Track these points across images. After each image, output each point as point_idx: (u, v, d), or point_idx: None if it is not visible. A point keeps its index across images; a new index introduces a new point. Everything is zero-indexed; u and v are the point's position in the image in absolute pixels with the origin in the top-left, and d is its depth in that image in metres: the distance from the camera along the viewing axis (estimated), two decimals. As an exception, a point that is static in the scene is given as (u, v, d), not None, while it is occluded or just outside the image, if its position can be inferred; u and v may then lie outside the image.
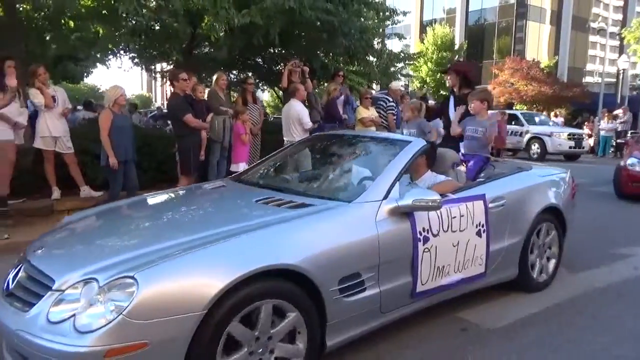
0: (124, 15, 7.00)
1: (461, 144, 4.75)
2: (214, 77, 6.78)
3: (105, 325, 1.92)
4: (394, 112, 8.19)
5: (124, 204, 3.40)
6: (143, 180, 6.13)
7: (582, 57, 34.69)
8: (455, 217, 3.04)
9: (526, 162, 5.04)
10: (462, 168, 4.16)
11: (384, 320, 2.82)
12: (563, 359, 2.86)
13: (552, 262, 4.04)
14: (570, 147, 15.22)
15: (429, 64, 27.32)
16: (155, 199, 3.45)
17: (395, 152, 3.22)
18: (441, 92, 26.01)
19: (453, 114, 5.09)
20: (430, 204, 2.75)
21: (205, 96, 6.61)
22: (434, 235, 2.91)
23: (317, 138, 4.37)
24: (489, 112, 4.69)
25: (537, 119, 16.94)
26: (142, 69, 13.36)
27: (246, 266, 2.17)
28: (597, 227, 6.06)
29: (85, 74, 15.41)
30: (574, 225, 4.33)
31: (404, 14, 11.20)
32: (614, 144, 17.25)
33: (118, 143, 5.41)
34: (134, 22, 7.79)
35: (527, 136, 15.72)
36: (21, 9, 7.41)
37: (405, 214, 2.80)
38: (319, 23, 7.65)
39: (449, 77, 5.45)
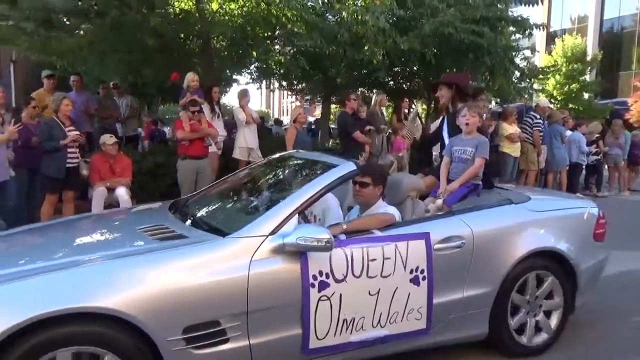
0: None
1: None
2: (375, 98, 7.61)
3: None
4: (540, 128, 8.45)
5: (31, 228, 3.33)
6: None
7: None
8: (375, 259, 2.57)
9: (537, 189, 4.49)
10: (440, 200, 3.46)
11: None
12: None
13: (555, 315, 3.25)
14: None
15: (557, 77, 25.97)
16: (67, 222, 3.39)
17: (311, 179, 2.81)
18: (570, 105, 24.57)
19: (447, 136, 4.33)
20: (316, 243, 2.35)
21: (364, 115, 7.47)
22: (338, 281, 2.49)
23: (267, 162, 3.82)
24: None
25: None
26: (284, 89, 14.85)
27: (30, 311, 1.96)
28: None
29: (223, 94, 17.89)
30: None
31: (544, 27, 10.90)
32: None
33: None
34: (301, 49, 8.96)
35: None
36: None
37: (298, 253, 2.42)
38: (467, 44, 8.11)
39: (440, 94, 4.42)
